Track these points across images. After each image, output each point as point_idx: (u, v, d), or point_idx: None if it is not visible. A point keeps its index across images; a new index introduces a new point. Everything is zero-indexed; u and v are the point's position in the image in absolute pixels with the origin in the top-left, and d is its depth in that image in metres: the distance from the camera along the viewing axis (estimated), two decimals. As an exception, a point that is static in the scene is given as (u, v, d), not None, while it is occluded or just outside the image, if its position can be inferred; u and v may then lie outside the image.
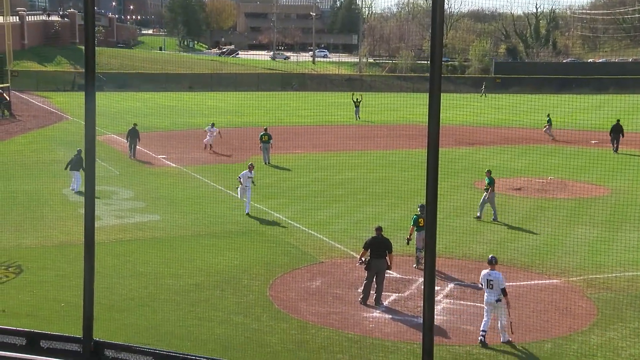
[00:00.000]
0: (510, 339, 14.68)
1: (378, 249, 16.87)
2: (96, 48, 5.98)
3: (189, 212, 25.95)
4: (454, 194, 27.79)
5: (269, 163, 35.79)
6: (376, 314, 16.34)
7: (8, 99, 55.71)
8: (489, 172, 25.32)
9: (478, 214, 25.06)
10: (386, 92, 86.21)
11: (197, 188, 30.53)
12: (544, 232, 23.52)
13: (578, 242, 21.92)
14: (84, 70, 5.63)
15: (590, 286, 18.25)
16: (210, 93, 79.53)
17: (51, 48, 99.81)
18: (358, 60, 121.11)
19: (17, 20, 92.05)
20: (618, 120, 41.68)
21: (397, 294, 17.52)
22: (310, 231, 23.27)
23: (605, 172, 30.79)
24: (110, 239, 21.58)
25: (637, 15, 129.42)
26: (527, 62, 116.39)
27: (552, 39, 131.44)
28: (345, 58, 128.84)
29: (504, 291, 14.58)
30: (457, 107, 57.84)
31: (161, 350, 6.81)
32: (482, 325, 14.76)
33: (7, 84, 57.42)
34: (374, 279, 16.86)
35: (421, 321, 5.59)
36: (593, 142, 43.10)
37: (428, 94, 5.18)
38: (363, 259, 17.09)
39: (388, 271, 17.36)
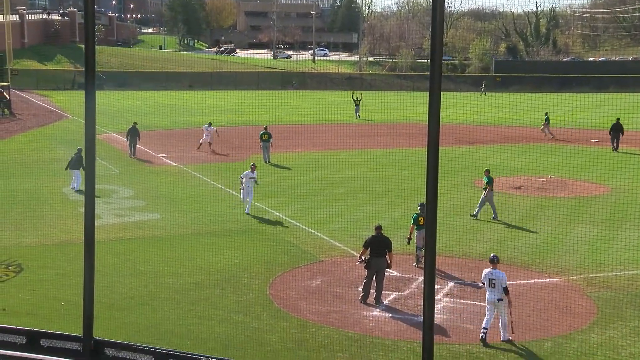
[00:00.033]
0: (510, 338, 14.69)
1: (378, 248, 16.87)
2: (96, 47, 5.97)
3: (189, 210, 25.95)
4: (454, 192, 27.80)
5: (269, 162, 35.79)
6: (376, 312, 16.35)
7: (8, 97, 55.73)
8: (488, 171, 25.32)
9: (474, 212, 25.03)
10: (386, 90, 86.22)
11: (197, 187, 30.54)
12: (544, 230, 23.52)
13: (578, 241, 21.92)
14: (84, 69, 5.63)
15: (590, 285, 18.26)
16: (210, 92, 79.55)
17: (51, 47, 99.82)
18: (358, 58, 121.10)
19: (17, 18, 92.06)
20: (618, 119, 41.68)
21: (397, 293, 17.52)
22: (310, 230, 23.27)
23: (605, 171, 30.80)
24: (110, 238, 21.59)
25: (637, 14, 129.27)
26: (527, 61, 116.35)
27: (552, 38, 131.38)
28: (345, 57, 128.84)
29: (506, 290, 14.59)
30: (458, 106, 57.88)
31: (161, 349, 6.82)
32: (483, 323, 14.78)
33: (7, 83, 57.44)
34: (374, 278, 16.86)
35: (421, 320, 5.59)
36: (593, 140, 43.09)
37: (428, 92, 5.18)
38: (363, 257, 17.09)
39: (388, 270, 17.36)
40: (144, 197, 28.38)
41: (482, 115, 55.06)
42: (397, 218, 24.10)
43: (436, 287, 16.66)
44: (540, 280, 18.68)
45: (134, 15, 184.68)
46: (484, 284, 15.02)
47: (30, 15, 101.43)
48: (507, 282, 14.84)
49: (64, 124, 51.44)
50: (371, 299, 16.81)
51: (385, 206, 26.60)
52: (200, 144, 39.19)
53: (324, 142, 40.77)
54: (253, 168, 26.11)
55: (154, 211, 25.82)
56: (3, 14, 69.73)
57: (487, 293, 14.87)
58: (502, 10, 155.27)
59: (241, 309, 16.26)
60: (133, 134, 37.39)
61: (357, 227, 22.92)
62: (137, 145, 37.66)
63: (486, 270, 14.94)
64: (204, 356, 6.84)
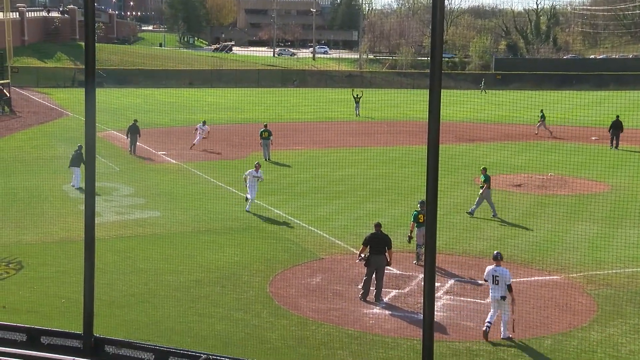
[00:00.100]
0: (510, 336, 14.70)
1: (377, 245, 16.88)
2: (96, 44, 5.97)
3: (189, 208, 25.95)
4: (454, 190, 27.81)
5: (269, 159, 35.79)
6: (376, 310, 16.36)
7: (8, 95, 55.72)
8: (485, 169, 25.31)
9: (470, 210, 24.99)
10: (386, 88, 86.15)
11: (197, 184, 30.54)
12: (544, 228, 23.53)
13: (578, 239, 21.93)
14: (84, 67, 5.62)
15: (590, 282, 18.27)
16: (210, 89, 79.50)
17: (51, 44, 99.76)
18: (358, 56, 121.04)
19: (17, 16, 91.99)
20: (617, 117, 41.68)
21: (397, 291, 17.53)
22: (310, 227, 23.28)
23: (605, 169, 30.81)
24: (110, 235, 21.59)
25: (637, 12, 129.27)
26: (528, 59, 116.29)
27: (552, 35, 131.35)
28: (345, 54, 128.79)
29: (509, 287, 14.60)
30: (458, 104, 57.87)
31: (161, 347, 6.83)
32: (488, 317, 14.85)
33: (7, 80, 57.41)
34: (374, 275, 16.87)
35: (421, 317, 5.60)
36: (593, 138, 43.09)
37: (428, 90, 5.18)
38: (362, 255, 17.10)
39: (388, 267, 17.37)
40: (144, 195, 28.38)
41: (483, 113, 55.00)
42: (397, 216, 24.12)
43: (436, 284, 16.68)
44: (540, 278, 18.69)
45: (134, 13, 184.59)
46: (486, 281, 15.03)
47: (30, 12, 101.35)
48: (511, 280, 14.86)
49: (64, 121, 51.43)
50: (371, 296, 16.82)
51: (385, 204, 26.60)
52: (193, 144, 38.90)
53: (324, 139, 40.77)
54: (257, 167, 25.96)
55: (154, 209, 25.83)
56: (3, 12, 69.70)
57: (491, 290, 14.88)
58: (502, 7, 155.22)
59: (241, 307, 16.27)
60: (133, 131, 37.37)
61: (357, 224, 22.92)
62: (138, 143, 37.64)
63: (490, 268, 14.95)
64: (204, 353, 6.85)
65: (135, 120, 37.67)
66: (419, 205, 19.73)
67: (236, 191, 27.91)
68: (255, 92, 69.71)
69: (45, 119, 52.56)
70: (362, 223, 22.36)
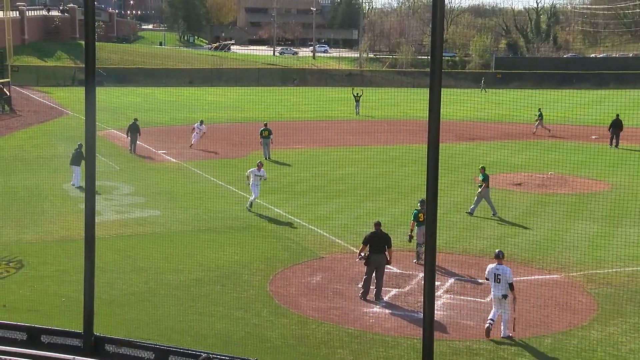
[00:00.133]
0: (510, 335, 14.71)
1: (377, 244, 16.88)
2: (96, 43, 5.98)
3: (190, 207, 25.95)
4: (454, 189, 27.81)
5: (269, 158, 35.78)
6: (376, 309, 16.36)
7: (8, 94, 55.69)
8: (483, 168, 25.31)
9: (469, 210, 25.02)
10: (386, 87, 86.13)
11: (197, 183, 30.53)
12: (544, 227, 23.53)
13: (578, 238, 21.93)
14: (84, 66, 5.63)
15: (591, 281, 18.27)
16: (210, 88, 79.48)
17: (51, 43, 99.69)
18: (358, 55, 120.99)
19: (17, 15, 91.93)
20: (617, 115, 41.67)
21: (397, 289, 17.54)
22: (310, 226, 23.28)
23: (605, 168, 30.79)
24: (110, 234, 21.60)
25: (638, 10, 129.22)
26: (528, 57, 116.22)
27: (552, 34, 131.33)
28: (345, 53, 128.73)
29: (511, 286, 14.62)
30: (458, 103, 57.83)
31: (162, 345, 6.84)
32: (490, 314, 14.88)
33: (8, 79, 57.40)
34: (374, 274, 16.87)
35: (421, 316, 5.61)
36: (593, 137, 43.10)
37: (429, 89, 5.19)
38: (362, 254, 17.11)
39: (388, 266, 17.38)
40: (144, 194, 28.38)
41: (483, 112, 54.98)
42: (398, 215, 24.12)
43: (436, 283, 16.68)
44: (541, 277, 18.69)
45: (134, 12, 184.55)
46: (488, 279, 15.03)
47: (30, 11, 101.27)
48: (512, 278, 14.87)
49: (64, 120, 51.43)
50: (371, 295, 16.83)
51: (386, 203, 26.60)
52: (192, 144, 38.79)
53: (324, 138, 40.76)
54: (260, 166, 25.79)
55: (154, 208, 25.83)
56: (3, 11, 69.67)
57: (492, 288, 14.90)
58: (502, 6, 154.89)
59: (241, 306, 16.28)
60: (133, 130, 37.36)
61: (357, 223, 22.92)
62: (138, 142, 37.64)
63: (491, 266, 14.96)
64: (204, 352, 6.85)
65: (136, 119, 37.67)
66: (419, 204, 19.72)
67: (236, 190, 27.90)
68: (255, 91, 69.64)
69: (46, 118, 52.56)
70: (362, 222, 22.35)
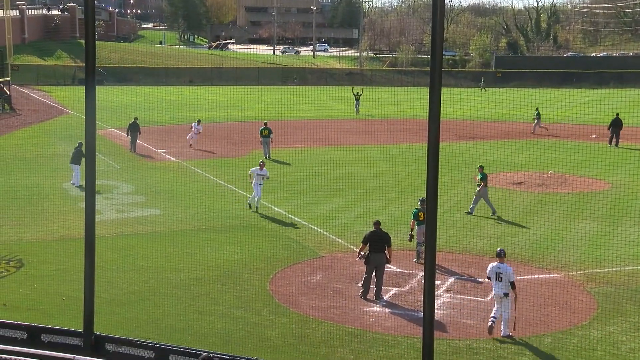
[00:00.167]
0: (510, 334, 14.71)
1: (377, 243, 16.88)
2: (96, 42, 5.98)
3: (190, 206, 25.95)
4: (454, 188, 27.81)
5: (269, 157, 35.77)
6: (376, 308, 16.37)
7: (8, 93, 55.69)
8: (482, 167, 25.32)
9: (469, 209, 25.02)
10: (387, 86, 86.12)
11: (197, 182, 30.54)
12: (544, 226, 23.54)
13: (578, 237, 21.93)
14: (84, 65, 5.64)
15: (591, 280, 18.28)
16: (210, 87, 79.48)
17: (51, 42, 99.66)
18: (358, 54, 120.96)
19: (18, 14, 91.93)
20: (617, 114, 41.66)
21: (398, 288, 17.55)
22: (310, 225, 23.28)
23: (605, 167, 30.80)
24: (110, 233, 21.61)
25: (638, 9, 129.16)
26: (528, 56, 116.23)
27: (552, 33, 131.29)
28: (345, 52, 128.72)
29: (512, 284, 14.63)
30: (458, 102, 57.81)
31: (162, 344, 6.84)
32: (492, 312, 14.90)
33: (8, 78, 57.39)
34: (374, 273, 16.88)
35: (421, 315, 5.61)
36: (593, 136, 43.09)
37: (429, 88, 5.18)
38: (362, 253, 17.11)
39: (388, 265, 17.39)
40: (145, 193, 28.38)
41: (483, 111, 54.99)
42: (398, 214, 24.12)
43: (436, 282, 16.68)
44: (541, 276, 18.70)
45: (134, 11, 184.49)
46: (489, 278, 15.04)
47: (30, 10, 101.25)
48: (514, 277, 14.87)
49: (65, 119, 51.41)
50: (371, 294, 16.83)
51: (386, 202, 26.61)
52: (190, 144, 38.73)
53: (324, 137, 40.75)
54: (262, 165, 25.66)
55: (155, 207, 25.83)
56: (3, 9, 69.67)
57: (494, 287, 14.90)
58: (502, 5, 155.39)
59: (241, 305, 16.28)
60: (134, 129, 37.36)
61: (357, 222, 22.93)
62: (138, 141, 37.64)
63: (493, 264, 14.97)
64: (204, 351, 6.84)
65: (136, 118, 37.67)
66: (419, 203, 19.73)
67: (236, 189, 27.91)
68: (255, 90, 69.64)
69: (46, 117, 52.55)
70: (362, 221, 22.35)
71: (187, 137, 39.04)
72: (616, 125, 41.60)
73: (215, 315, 15.69)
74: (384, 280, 17.11)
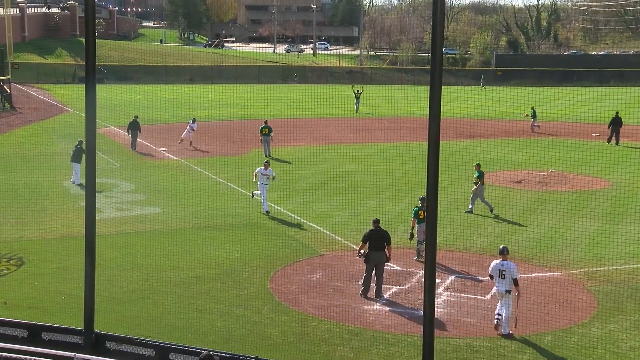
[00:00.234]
0: (511, 332, 14.72)
1: (376, 242, 16.89)
2: (97, 40, 5.98)
3: (190, 204, 25.96)
4: (454, 186, 27.80)
5: (269, 156, 35.76)
6: (377, 306, 16.37)
7: (9, 91, 55.70)
8: (478, 165, 25.30)
9: (468, 209, 25.03)
10: (387, 84, 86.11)
11: (197, 180, 30.54)
12: (545, 224, 23.54)
13: (579, 235, 21.93)
14: (84, 63, 5.64)
15: (591, 279, 18.28)
16: (210, 85, 79.47)
17: (52, 40, 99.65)
18: (359, 52, 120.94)
19: (18, 12, 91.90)
20: (617, 113, 41.64)
21: (398, 287, 17.55)
22: (310, 224, 23.29)
23: (605, 165, 30.80)
24: (111, 232, 21.61)
25: (638, 8, 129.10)
26: (528, 55, 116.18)
27: (553, 31, 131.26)
28: (346, 50, 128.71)
29: (515, 282, 14.64)
30: (458, 100, 57.78)
31: (162, 343, 6.84)
32: (496, 310, 14.93)
33: (8, 77, 57.39)
34: (374, 272, 16.88)
35: (422, 314, 5.61)
36: (594, 134, 43.08)
37: (429, 86, 5.18)
38: (362, 251, 17.11)
39: (388, 264, 17.40)
40: (145, 191, 28.39)
41: (483, 109, 54.97)
42: (398, 212, 24.13)
43: (437, 281, 16.68)
44: (541, 274, 18.70)
45: (134, 9, 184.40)
46: (492, 276, 15.04)
47: (30, 8, 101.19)
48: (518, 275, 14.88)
49: (65, 117, 51.42)
50: (371, 292, 16.84)
51: (386, 200, 26.61)
52: (182, 139, 38.49)
53: (325, 136, 40.75)
54: (266, 165, 25.33)
55: (155, 205, 25.84)
56: (3, 8, 69.65)
57: (497, 284, 14.91)
58: (503, 3, 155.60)
59: (242, 303, 16.29)
60: (134, 127, 37.37)
61: (357, 221, 22.93)
62: (138, 139, 37.65)
63: (496, 262, 14.98)
64: (204, 350, 6.84)
65: (136, 117, 37.68)
66: (419, 201, 19.73)
67: (237, 187, 27.92)
68: (255, 89, 69.66)
69: (46, 115, 52.55)
70: (362, 219, 22.35)
71: (182, 136, 38.74)
72: (616, 123, 41.59)
73: (216, 313, 15.70)
74: (384, 278, 17.12)
